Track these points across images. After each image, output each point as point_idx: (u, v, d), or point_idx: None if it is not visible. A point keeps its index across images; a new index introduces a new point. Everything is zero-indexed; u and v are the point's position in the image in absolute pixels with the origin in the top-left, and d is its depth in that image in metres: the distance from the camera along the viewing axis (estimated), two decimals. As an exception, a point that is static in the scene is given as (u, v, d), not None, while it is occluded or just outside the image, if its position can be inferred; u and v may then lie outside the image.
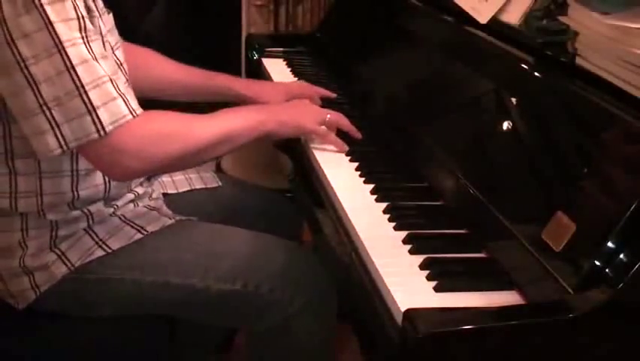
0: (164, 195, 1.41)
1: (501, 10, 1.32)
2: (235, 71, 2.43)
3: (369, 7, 1.86)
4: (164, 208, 1.34)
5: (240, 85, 1.56)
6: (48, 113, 1.03)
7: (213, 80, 1.54)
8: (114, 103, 1.05)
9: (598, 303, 0.84)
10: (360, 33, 1.85)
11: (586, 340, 0.87)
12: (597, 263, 0.87)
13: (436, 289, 0.97)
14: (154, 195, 1.34)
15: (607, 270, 0.86)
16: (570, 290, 0.88)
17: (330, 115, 1.37)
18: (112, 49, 1.23)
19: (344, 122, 1.39)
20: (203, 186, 1.49)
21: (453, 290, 0.97)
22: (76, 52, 1.03)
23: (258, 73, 1.91)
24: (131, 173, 1.16)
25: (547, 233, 0.94)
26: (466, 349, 0.85)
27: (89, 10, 1.08)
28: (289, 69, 1.87)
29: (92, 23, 1.08)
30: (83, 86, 1.03)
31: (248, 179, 2.00)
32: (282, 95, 1.54)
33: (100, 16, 1.14)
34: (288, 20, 2.49)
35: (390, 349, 0.92)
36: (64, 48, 1.02)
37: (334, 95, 1.61)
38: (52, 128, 1.03)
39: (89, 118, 1.04)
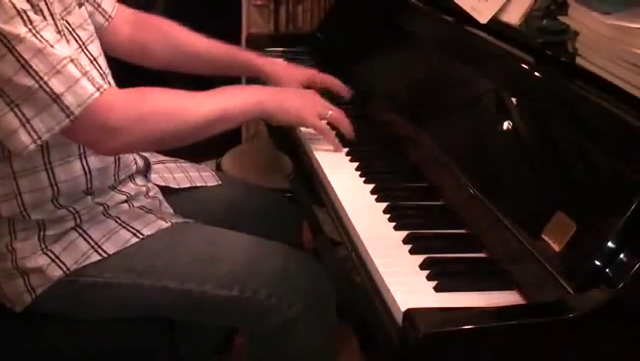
0: (165, 191, 1.40)
1: (501, 10, 1.32)
2: (235, 71, 2.43)
3: (369, 7, 1.86)
4: (163, 207, 1.34)
5: (261, 62, 1.55)
6: (17, 110, 1.04)
7: (236, 55, 1.55)
8: (78, 84, 1.06)
9: (598, 303, 0.84)
10: (360, 33, 1.85)
11: (586, 340, 0.87)
12: (597, 263, 0.87)
13: (436, 289, 0.97)
14: (151, 193, 1.33)
15: (607, 270, 0.86)
16: (570, 290, 0.88)
17: (332, 112, 1.36)
18: (83, 44, 1.22)
19: (344, 122, 1.38)
20: (204, 184, 1.49)
21: (453, 290, 0.97)
22: (25, 47, 1.03)
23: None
24: (119, 147, 1.17)
25: (547, 233, 0.94)
26: (466, 349, 0.85)
27: (31, 5, 1.07)
28: (289, 69, 1.87)
29: (36, 12, 1.08)
30: (42, 78, 1.04)
31: (248, 179, 1.99)
32: (301, 80, 1.53)
33: (52, 14, 1.13)
34: (288, 20, 2.49)
35: (390, 349, 0.92)
36: (13, 47, 1.02)
37: (348, 96, 1.58)
38: (23, 124, 1.05)
39: (55, 106, 1.05)
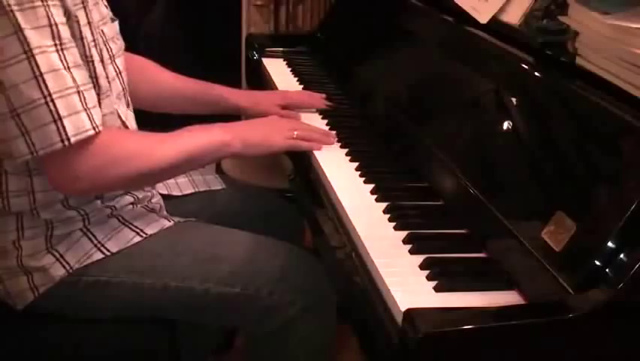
0: (168, 197, 1.40)
1: (501, 10, 1.32)
2: (235, 71, 2.44)
3: (369, 7, 1.86)
4: (163, 211, 1.34)
5: (236, 96, 1.55)
6: (17, 120, 1.03)
7: (210, 90, 1.54)
8: (78, 116, 1.05)
9: (598, 303, 0.84)
10: (360, 33, 1.85)
11: (586, 340, 0.87)
12: (597, 263, 0.87)
13: (436, 289, 0.97)
14: (153, 200, 1.33)
15: (607, 270, 0.86)
16: (570, 290, 0.88)
17: (297, 132, 1.36)
18: (112, 57, 1.23)
19: (315, 135, 1.38)
20: (207, 189, 1.49)
21: (453, 290, 0.97)
22: (45, 60, 1.02)
23: (258, 73, 1.91)
24: (81, 191, 1.15)
25: (548, 233, 0.94)
26: (466, 349, 0.85)
27: (69, 16, 1.07)
28: (289, 69, 1.87)
29: (72, 24, 1.08)
30: (50, 95, 1.02)
31: (248, 179, 2.00)
32: (275, 105, 1.54)
33: (90, 22, 1.14)
34: (288, 20, 2.49)
35: (390, 349, 0.92)
36: (33, 55, 1.01)
37: (329, 104, 1.59)
38: (23, 134, 1.04)
39: (53, 127, 1.03)
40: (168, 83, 1.52)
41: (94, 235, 1.21)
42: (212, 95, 1.54)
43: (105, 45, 1.21)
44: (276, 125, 1.37)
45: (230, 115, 1.55)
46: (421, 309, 0.87)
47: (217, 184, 1.51)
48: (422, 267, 1.02)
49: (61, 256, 1.19)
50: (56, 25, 1.03)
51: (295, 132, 1.35)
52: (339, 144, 1.40)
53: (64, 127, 1.04)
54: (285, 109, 1.54)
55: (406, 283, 0.98)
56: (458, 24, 1.42)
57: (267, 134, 1.33)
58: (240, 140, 1.27)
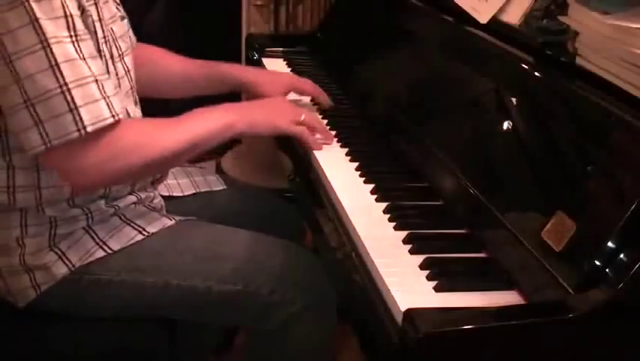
0: (168, 198, 1.40)
1: (501, 10, 1.32)
2: (235, 71, 2.43)
3: (369, 7, 1.86)
4: (164, 211, 1.34)
5: (242, 72, 1.55)
6: (32, 110, 1.03)
7: (213, 69, 1.52)
8: (96, 105, 1.05)
9: (598, 303, 0.84)
10: (360, 33, 1.85)
11: (586, 340, 0.87)
12: (597, 263, 0.87)
13: (436, 289, 0.97)
14: (155, 201, 1.34)
15: (607, 270, 0.86)
16: (570, 290, 0.88)
17: (305, 116, 1.35)
18: (122, 55, 1.24)
19: (319, 126, 1.39)
20: (208, 189, 1.49)
21: (453, 290, 0.97)
22: (61, 50, 1.02)
23: (258, 73, 1.91)
24: (84, 185, 1.14)
25: (547, 233, 0.94)
26: (466, 349, 0.85)
27: (83, 10, 1.08)
28: (289, 69, 1.87)
29: (86, 19, 1.08)
30: (66, 84, 1.02)
31: (248, 179, 2.00)
32: (282, 88, 1.53)
33: (100, 19, 1.15)
34: (288, 20, 2.49)
35: (390, 349, 0.92)
36: (49, 45, 1.01)
37: (331, 104, 1.58)
38: (37, 124, 1.03)
39: (70, 116, 1.03)
40: (181, 69, 1.51)
41: (95, 234, 1.21)
42: (220, 72, 1.52)
43: (115, 43, 1.21)
44: (281, 107, 1.37)
45: (234, 94, 1.53)
46: (421, 309, 0.87)
47: (218, 185, 1.51)
48: (422, 267, 1.02)
49: (63, 253, 1.19)
50: (72, 16, 1.04)
51: (302, 116, 1.35)
52: (339, 143, 1.40)
53: (80, 116, 1.03)
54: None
55: (406, 283, 0.98)
56: (458, 24, 1.42)
57: (271, 114, 1.32)
58: (244, 121, 1.27)
